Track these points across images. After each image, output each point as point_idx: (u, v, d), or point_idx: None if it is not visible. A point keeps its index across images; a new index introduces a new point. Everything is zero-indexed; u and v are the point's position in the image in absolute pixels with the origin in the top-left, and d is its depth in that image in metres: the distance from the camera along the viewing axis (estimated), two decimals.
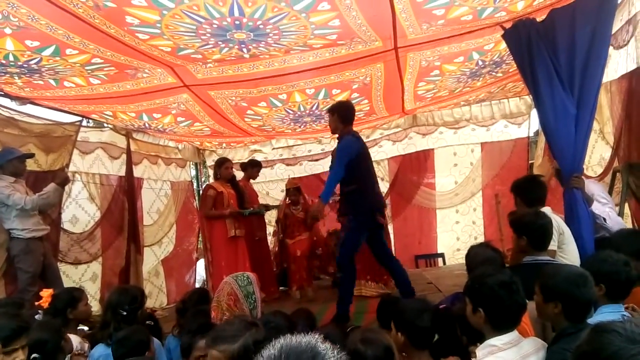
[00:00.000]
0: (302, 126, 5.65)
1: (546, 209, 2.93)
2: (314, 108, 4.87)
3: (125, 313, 2.73)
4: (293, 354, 0.91)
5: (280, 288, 5.95)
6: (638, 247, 2.53)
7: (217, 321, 2.59)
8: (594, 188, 3.52)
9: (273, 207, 6.05)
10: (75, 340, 2.73)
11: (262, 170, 6.28)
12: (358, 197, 4.01)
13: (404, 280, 4.14)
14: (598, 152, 4.38)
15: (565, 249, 2.87)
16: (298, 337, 0.95)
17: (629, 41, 3.60)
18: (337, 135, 4.19)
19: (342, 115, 4.05)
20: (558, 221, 2.90)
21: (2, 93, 3.92)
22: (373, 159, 6.79)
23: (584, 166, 4.12)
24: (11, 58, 3.10)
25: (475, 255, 2.73)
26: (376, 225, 4.14)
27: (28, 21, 2.65)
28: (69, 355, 2.53)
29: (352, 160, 3.89)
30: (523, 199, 3.14)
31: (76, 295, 3.08)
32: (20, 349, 2.08)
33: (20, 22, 2.65)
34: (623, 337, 1.10)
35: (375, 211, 4.10)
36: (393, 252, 5.87)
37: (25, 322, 2.20)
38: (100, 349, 2.62)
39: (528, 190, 3.17)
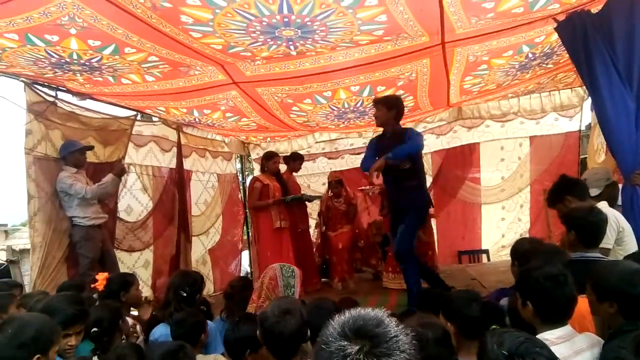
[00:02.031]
0: (345, 122, 5.69)
1: (603, 204, 2.84)
2: (358, 105, 4.90)
3: (185, 295, 2.89)
4: (360, 319, 1.00)
5: (322, 280, 6.04)
6: None
7: (256, 302, 2.75)
8: None
9: (316, 197, 6.14)
10: (129, 321, 2.92)
11: (304, 164, 6.38)
12: (419, 192, 4.21)
13: (432, 275, 4.48)
14: None
15: (625, 246, 2.77)
16: (367, 309, 1.05)
17: None
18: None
19: (399, 112, 4.17)
20: (618, 217, 2.81)
21: (65, 89, 4.17)
22: None
23: None
24: (75, 57, 3.30)
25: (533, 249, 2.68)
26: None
27: (91, 22, 2.81)
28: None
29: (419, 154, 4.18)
30: (574, 195, 3.04)
31: (129, 279, 3.28)
32: (73, 335, 2.19)
33: (84, 22, 2.81)
34: None
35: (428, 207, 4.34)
36: (436, 246, 5.86)
37: (84, 310, 2.32)
38: (161, 329, 2.78)
39: (574, 185, 3.11)
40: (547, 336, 1.80)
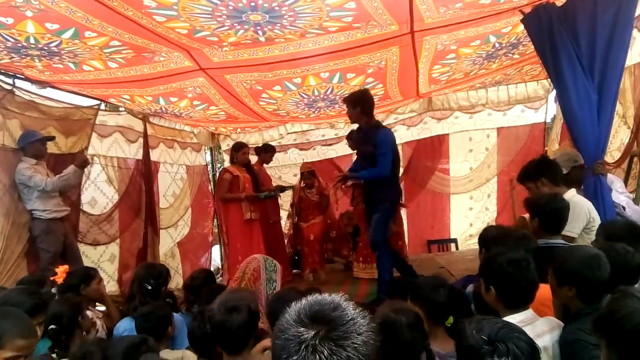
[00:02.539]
0: (316, 111, 5.65)
1: (572, 192, 2.90)
2: (328, 92, 4.87)
3: (150, 287, 2.83)
4: (317, 304, 0.98)
5: (294, 271, 6.02)
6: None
7: None
8: (612, 177, 3.48)
9: (288, 187, 6.09)
10: (90, 316, 2.83)
11: (276, 155, 6.32)
12: (391, 185, 4.24)
13: (403, 264, 4.53)
14: (619, 137, 4.29)
15: (593, 235, 2.80)
16: (323, 294, 1.04)
17: None
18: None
19: (365, 109, 4.15)
20: (589, 208, 2.84)
21: (23, 77, 3.99)
22: None
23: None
24: (32, 40, 3.15)
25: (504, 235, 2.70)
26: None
27: (48, 4, 2.68)
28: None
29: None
30: (550, 178, 2.99)
31: (91, 272, 3.19)
32: (36, 325, 2.13)
33: (40, 5, 2.68)
34: None
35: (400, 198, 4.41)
36: (406, 236, 5.93)
37: (42, 300, 2.28)
38: (126, 323, 2.72)
39: (552, 168, 3.05)
40: (510, 320, 1.84)
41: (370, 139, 4.13)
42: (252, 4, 2.73)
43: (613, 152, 4.34)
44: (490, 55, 4.32)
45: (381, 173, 4.04)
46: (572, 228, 2.74)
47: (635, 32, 3.72)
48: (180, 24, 3.02)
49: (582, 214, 2.76)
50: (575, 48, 3.06)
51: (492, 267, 1.98)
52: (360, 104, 4.12)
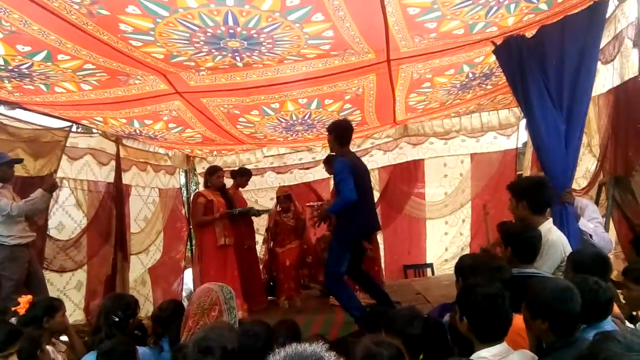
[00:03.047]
0: (293, 135, 5.66)
1: (548, 223, 2.90)
2: (306, 117, 4.89)
3: (117, 319, 2.70)
4: (297, 356, 0.95)
5: (269, 298, 5.91)
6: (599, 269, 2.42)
7: (192, 329, 2.50)
8: (585, 201, 3.54)
9: (264, 211, 6.03)
10: (49, 351, 2.69)
11: (253, 178, 6.27)
12: (345, 220, 3.98)
13: (379, 292, 4.27)
14: (584, 164, 4.42)
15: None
16: (303, 345, 0.99)
17: (615, 56, 3.68)
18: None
19: (338, 136, 4.09)
20: (565, 244, 2.78)
21: None
22: None
23: None
24: (1, 62, 3.06)
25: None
26: (359, 251, 4.19)
27: (20, 26, 2.62)
28: None
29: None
30: (531, 203, 2.89)
31: (55, 304, 3.02)
32: (15, 354, 2.10)
33: (12, 26, 2.62)
34: (622, 344, 1.16)
35: (361, 236, 4.09)
36: (382, 262, 5.91)
37: (16, 327, 2.23)
38: (90, 357, 2.57)
39: (538, 194, 2.90)
40: (484, 354, 1.84)
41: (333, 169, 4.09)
42: (231, 31, 2.73)
43: (578, 179, 4.44)
44: (464, 86, 4.44)
45: (345, 199, 3.80)
46: (548, 268, 2.71)
47: (599, 64, 3.89)
48: (156, 49, 2.98)
49: (557, 255, 2.74)
50: (544, 79, 3.16)
51: (468, 298, 1.97)
52: (334, 131, 4.10)
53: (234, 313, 2.58)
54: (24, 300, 2.84)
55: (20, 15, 2.52)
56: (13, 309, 2.85)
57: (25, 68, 3.20)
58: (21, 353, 2.21)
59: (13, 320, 2.79)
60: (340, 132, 4.09)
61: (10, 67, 3.16)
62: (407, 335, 2.09)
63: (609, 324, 2.04)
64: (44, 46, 2.88)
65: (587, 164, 4.41)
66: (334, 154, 4.72)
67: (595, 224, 3.40)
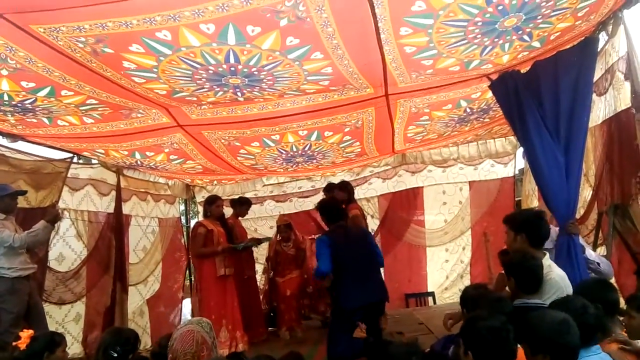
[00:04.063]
0: (294, 166, 5.71)
1: (546, 259, 2.88)
2: (306, 149, 4.95)
3: (116, 355, 2.66)
4: None
5: (269, 329, 5.84)
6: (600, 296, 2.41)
7: None
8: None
9: (264, 239, 6.01)
10: None
11: (252, 207, 6.25)
12: (336, 294, 3.98)
13: None
14: (582, 194, 4.43)
15: None
16: None
17: (608, 89, 3.76)
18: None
19: (329, 216, 4.14)
20: (566, 283, 2.72)
21: None
22: (364, 196, 6.96)
23: None
24: (5, 98, 3.12)
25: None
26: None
27: (25, 63, 2.69)
28: None
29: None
30: (531, 237, 2.85)
31: (57, 339, 2.98)
32: None
33: (17, 64, 2.68)
34: None
35: (354, 312, 3.77)
36: None
37: None
38: None
39: (537, 227, 2.86)
40: None
41: None
42: (232, 68, 2.80)
43: (579, 209, 4.47)
44: (462, 120, 4.51)
45: (317, 272, 3.96)
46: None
47: (594, 96, 3.97)
48: (159, 85, 3.05)
49: (559, 294, 2.61)
50: (541, 112, 3.21)
51: (472, 331, 1.97)
52: (324, 214, 4.19)
53: (215, 344, 2.53)
54: (25, 335, 2.80)
55: (25, 53, 2.59)
56: (14, 343, 2.81)
57: (29, 103, 3.26)
58: None
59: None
60: (328, 212, 4.17)
61: (14, 102, 3.22)
62: None
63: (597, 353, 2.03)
64: (48, 82, 2.94)
65: (585, 194, 4.43)
66: (334, 182, 4.77)
67: (596, 253, 3.41)
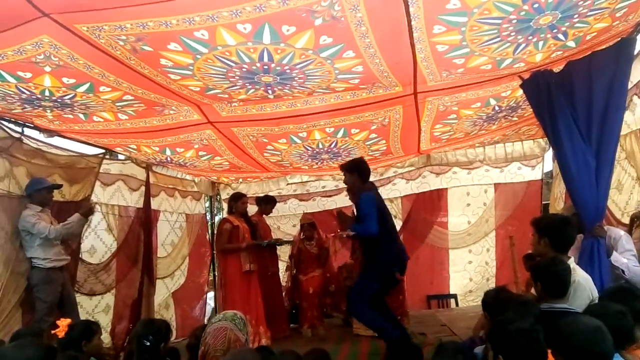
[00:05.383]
0: (319, 163, 5.74)
1: (570, 262, 2.86)
2: (332, 146, 4.98)
3: (148, 344, 2.74)
4: None
5: (291, 325, 5.89)
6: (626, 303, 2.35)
7: None
8: (619, 232, 3.46)
9: (286, 242, 6.07)
10: None
11: (276, 205, 6.33)
12: (382, 248, 4.09)
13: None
14: (636, 197, 4.24)
15: None
16: None
17: None
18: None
19: (362, 175, 4.23)
20: (592, 287, 2.71)
21: (32, 125, 4.06)
22: (386, 197, 6.94)
23: (620, 212, 4.12)
24: (47, 93, 3.24)
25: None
26: (393, 281, 4.26)
27: (67, 60, 2.78)
28: None
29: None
30: (553, 241, 2.84)
31: (93, 328, 3.10)
32: None
33: (60, 61, 2.78)
34: None
35: (396, 264, 4.18)
36: (405, 291, 5.85)
37: (51, 349, 2.23)
38: None
39: (561, 232, 2.84)
40: None
41: (357, 205, 4.23)
42: (265, 67, 2.85)
43: (631, 212, 4.22)
44: (490, 118, 4.47)
45: (365, 231, 3.99)
46: (577, 307, 2.68)
47: (635, 98, 3.88)
48: (193, 82, 3.13)
49: (584, 296, 2.66)
50: (573, 113, 3.17)
51: (502, 335, 1.96)
52: (356, 170, 4.22)
53: (248, 339, 2.56)
54: (63, 323, 2.90)
55: (68, 50, 2.68)
56: (52, 332, 2.92)
57: (68, 98, 3.37)
58: None
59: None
60: (364, 171, 4.26)
61: (54, 98, 3.33)
62: None
63: None
64: (88, 78, 3.04)
65: (638, 198, 4.31)
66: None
67: (629, 256, 3.29)
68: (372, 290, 4.04)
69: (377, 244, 4.06)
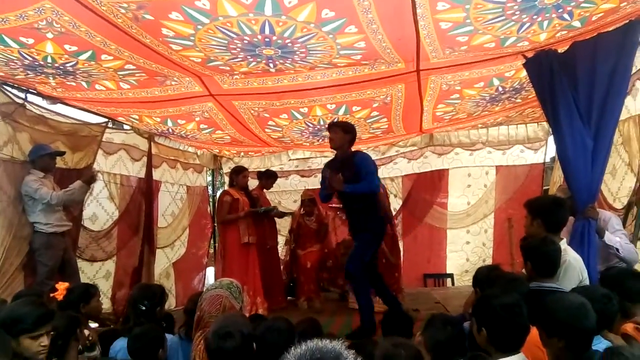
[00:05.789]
0: (320, 140, 5.75)
1: (562, 243, 2.88)
2: None
3: (144, 308, 2.82)
4: (318, 352, 0.99)
5: (288, 298, 6.00)
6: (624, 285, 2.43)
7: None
8: (607, 214, 3.51)
9: (287, 213, 6.13)
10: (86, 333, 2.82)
11: (277, 180, 6.37)
12: (370, 215, 4.19)
13: (389, 296, 4.45)
14: (628, 184, 4.29)
15: None
16: (324, 341, 1.04)
17: None
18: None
19: (354, 137, 4.23)
20: (581, 268, 2.76)
21: (35, 92, 4.08)
22: (388, 176, 6.99)
23: (612, 197, 4.13)
24: (49, 60, 3.25)
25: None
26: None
27: (69, 27, 2.78)
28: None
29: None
30: (545, 222, 2.87)
31: (91, 290, 3.18)
32: (45, 335, 2.17)
33: (62, 28, 2.78)
34: None
35: (383, 232, 4.42)
36: (402, 269, 5.93)
37: (49, 309, 2.29)
38: (121, 343, 2.71)
39: (553, 213, 2.89)
40: None
41: (348, 165, 4.13)
42: (267, 39, 2.84)
43: (622, 198, 4.32)
44: (493, 99, 4.44)
45: (370, 189, 4.08)
46: (566, 287, 2.67)
47: (638, 83, 3.85)
48: (195, 53, 3.12)
49: (574, 277, 2.72)
50: (574, 94, 3.15)
51: (485, 309, 2.01)
52: (351, 133, 4.18)
53: (243, 307, 2.67)
54: (62, 287, 2.98)
55: (70, 17, 2.67)
56: (51, 295, 3.00)
57: (70, 66, 3.38)
58: (59, 329, 2.32)
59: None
60: (355, 136, 4.25)
61: (56, 65, 3.34)
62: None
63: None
64: (90, 46, 3.04)
65: (630, 184, 4.31)
66: (330, 161, 4.54)
67: (620, 235, 3.36)
68: (368, 256, 4.22)
69: (368, 213, 4.19)
